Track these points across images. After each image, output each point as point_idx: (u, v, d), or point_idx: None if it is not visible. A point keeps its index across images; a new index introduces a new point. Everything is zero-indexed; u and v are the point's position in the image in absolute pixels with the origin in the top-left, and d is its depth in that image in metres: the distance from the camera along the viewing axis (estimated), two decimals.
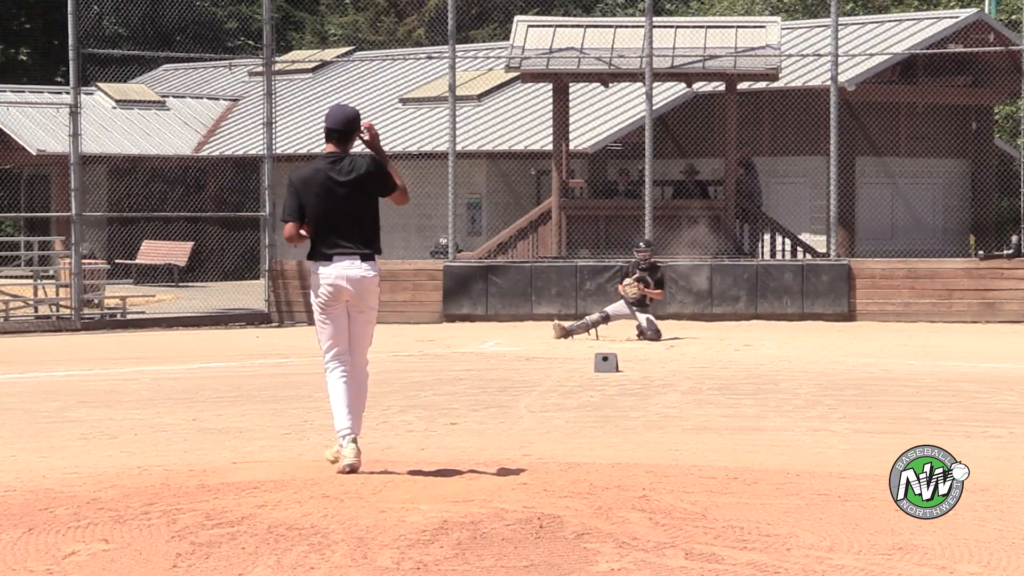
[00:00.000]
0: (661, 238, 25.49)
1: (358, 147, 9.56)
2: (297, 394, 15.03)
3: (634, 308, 21.88)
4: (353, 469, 9.23)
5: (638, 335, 21.64)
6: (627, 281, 22.01)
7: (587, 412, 13.63)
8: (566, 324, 22.18)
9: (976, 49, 30.09)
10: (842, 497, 8.72)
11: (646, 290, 21.86)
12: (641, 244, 22.69)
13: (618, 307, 22.05)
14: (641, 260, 22.26)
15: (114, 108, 38.02)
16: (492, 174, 33.95)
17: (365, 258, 9.44)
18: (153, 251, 35.26)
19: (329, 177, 9.38)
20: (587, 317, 22.32)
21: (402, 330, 23.73)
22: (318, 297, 9.43)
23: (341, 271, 9.35)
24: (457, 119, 27.07)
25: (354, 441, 9.33)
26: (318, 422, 12.40)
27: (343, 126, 9.48)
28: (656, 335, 21.46)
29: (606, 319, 21.94)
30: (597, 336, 21.69)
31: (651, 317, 21.81)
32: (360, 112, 9.78)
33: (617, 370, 16.97)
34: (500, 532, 7.59)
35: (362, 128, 9.57)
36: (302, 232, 9.40)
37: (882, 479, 8.10)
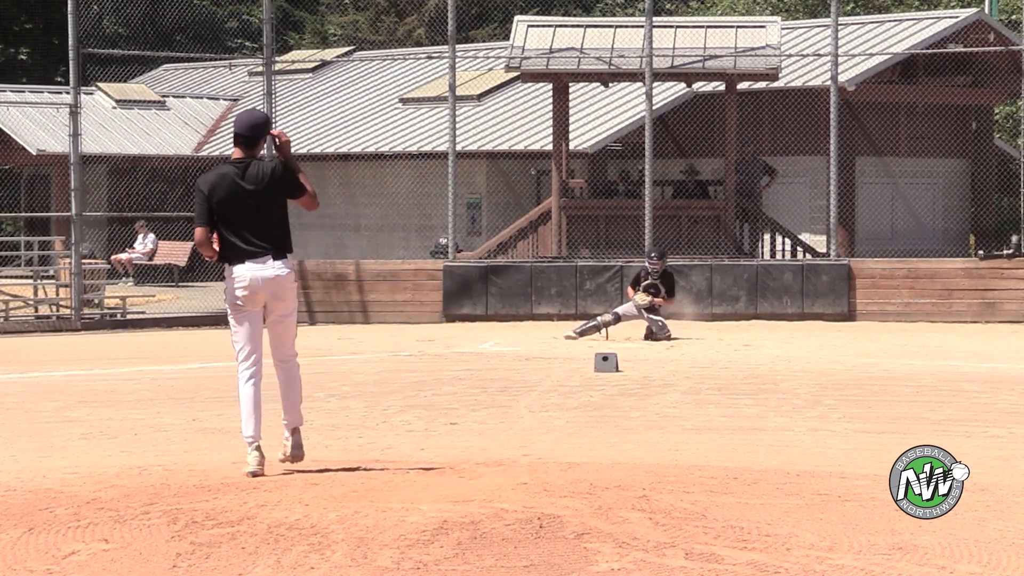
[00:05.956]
0: (661, 238, 25.48)
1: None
2: None
3: (645, 312, 21.87)
4: (255, 475, 9.36)
5: (646, 336, 21.61)
6: (638, 293, 21.99)
7: (587, 412, 13.63)
8: (576, 327, 22.09)
9: (976, 49, 30.08)
10: (842, 497, 8.72)
11: (656, 299, 21.84)
12: (654, 255, 22.53)
13: (628, 308, 22.03)
14: (654, 271, 22.17)
15: (114, 108, 38.02)
16: (492, 174, 33.95)
17: (277, 256, 9.44)
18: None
19: (235, 182, 9.41)
20: (598, 317, 22.27)
21: (402, 330, 23.73)
22: (233, 298, 9.50)
23: (255, 272, 9.41)
24: (457, 119, 27.07)
25: (257, 449, 9.45)
26: (318, 422, 12.40)
27: (249, 131, 9.55)
28: (667, 335, 21.46)
29: (617, 319, 21.92)
30: (607, 336, 21.65)
31: (663, 321, 21.76)
32: (270, 118, 9.87)
33: (617, 370, 16.97)
34: (500, 532, 7.59)
35: (274, 135, 9.62)
36: (213, 240, 9.46)
37: (882, 479, 8.10)
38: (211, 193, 9.42)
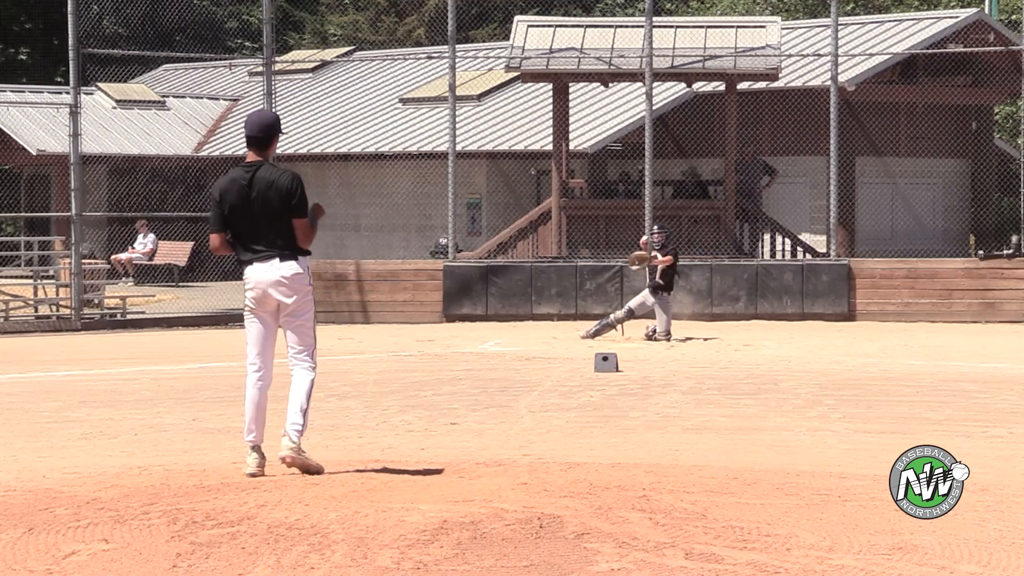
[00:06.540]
0: None
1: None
2: None
3: (655, 295, 21.60)
4: (254, 475, 9.35)
5: (647, 335, 21.53)
6: (635, 253, 21.88)
7: (587, 412, 13.63)
8: (590, 329, 21.98)
9: (976, 49, 30.08)
10: (842, 497, 8.72)
11: (656, 256, 21.59)
12: (655, 228, 22.57)
13: (640, 301, 21.88)
14: (655, 243, 22.10)
15: (114, 108, 38.01)
16: (492, 174, 33.95)
17: (285, 258, 9.41)
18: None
19: (243, 187, 9.41)
20: (611, 315, 22.20)
21: (402, 330, 23.73)
22: (246, 301, 9.56)
23: (261, 274, 9.42)
24: (457, 119, 27.07)
25: (255, 450, 9.46)
26: (318, 422, 12.38)
27: (260, 132, 9.53)
28: (667, 336, 21.39)
29: (630, 314, 21.85)
30: (623, 332, 21.60)
31: (668, 315, 21.62)
32: (280, 118, 9.78)
33: (617, 370, 16.97)
34: (500, 532, 7.59)
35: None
36: (229, 241, 9.52)
37: (882, 479, 8.10)
38: (222, 198, 9.46)
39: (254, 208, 9.38)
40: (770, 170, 28.23)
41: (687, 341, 21.37)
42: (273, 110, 25.64)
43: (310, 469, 9.36)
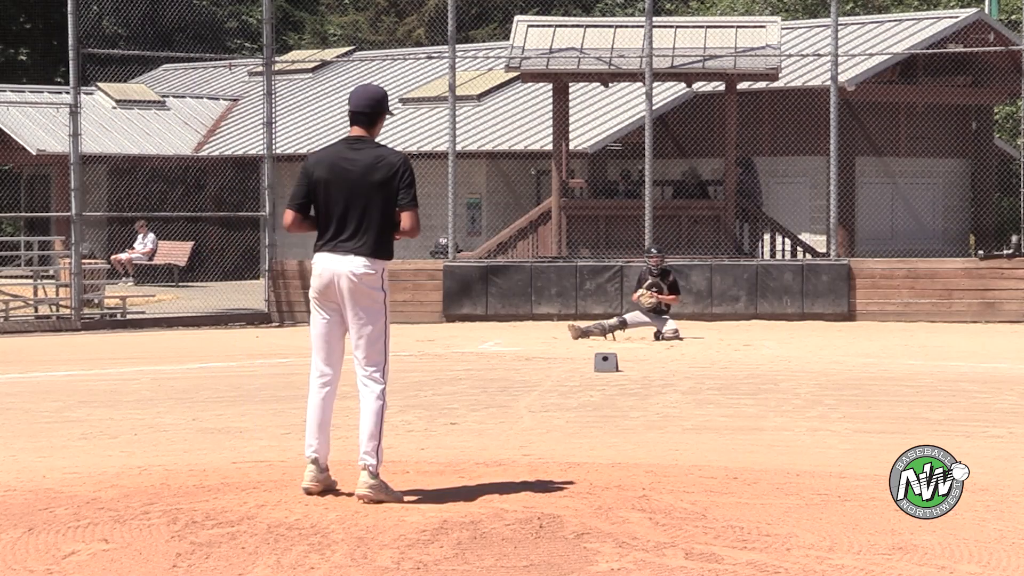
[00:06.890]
0: (661, 238, 25.48)
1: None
2: (297, 394, 14.99)
3: (652, 315, 21.78)
4: (308, 492, 8.56)
5: (656, 336, 21.57)
6: (641, 291, 21.91)
7: (587, 412, 13.63)
8: (582, 325, 22.05)
9: (976, 49, 30.10)
10: (842, 497, 8.72)
11: (661, 297, 21.81)
12: (653, 251, 22.55)
13: (636, 315, 21.96)
14: (653, 266, 22.17)
15: (114, 108, 38.02)
16: (492, 174, 33.95)
17: (360, 252, 8.42)
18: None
19: (340, 160, 8.50)
20: (605, 321, 22.20)
21: (402, 330, 23.70)
22: (311, 288, 8.66)
23: (330, 262, 8.45)
24: (457, 119, 27.07)
25: (314, 463, 8.64)
26: None
27: (368, 107, 8.63)
28: (675, 334, 21.44)
29: (623, 325, 21.85)
30: (614, 338, 21.62)
31: (676, 328, 21.66)
32: (387, 94, 8.92)
33: (617, 370, 16.97)
34: (500, 532, 7.59)
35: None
36: (305, 223, 8.61)
37: (882, 479, 8.10)
38: (312, 170, 8.51)
39: (348, 187, 8.40)
40: (748, 165, 28.05)
41: (686, 341, 21.38)
42: (273, 110, 25.63)
43: (386, 502, 8.42)
